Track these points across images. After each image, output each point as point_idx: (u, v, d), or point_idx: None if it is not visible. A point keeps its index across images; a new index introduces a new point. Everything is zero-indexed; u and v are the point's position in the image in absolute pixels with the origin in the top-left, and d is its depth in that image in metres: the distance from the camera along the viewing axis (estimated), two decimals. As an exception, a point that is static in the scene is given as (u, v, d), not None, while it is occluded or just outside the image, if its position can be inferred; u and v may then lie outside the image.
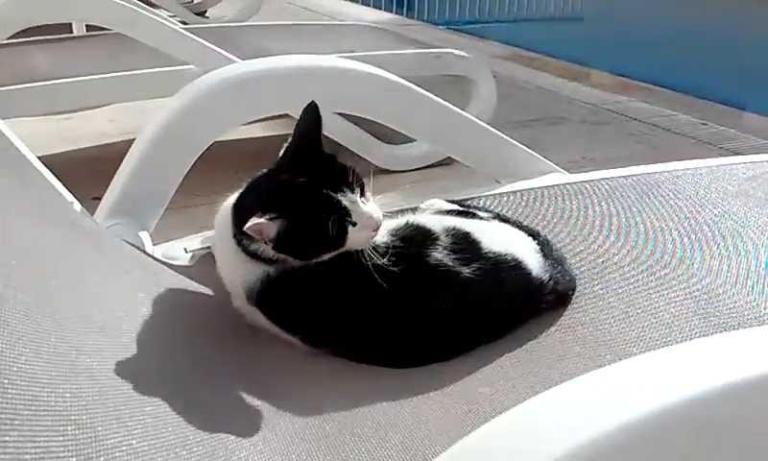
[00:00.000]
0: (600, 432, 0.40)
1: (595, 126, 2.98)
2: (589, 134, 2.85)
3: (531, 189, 1.28)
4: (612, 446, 0.40)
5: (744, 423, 0.44)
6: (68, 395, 0.57)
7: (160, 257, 1.04)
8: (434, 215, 0.95)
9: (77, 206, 1.00)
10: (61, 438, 0.53)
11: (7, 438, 0.48)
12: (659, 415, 0.41)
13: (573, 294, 0.98)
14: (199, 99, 1.17)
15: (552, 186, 1.29)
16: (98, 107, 2.68)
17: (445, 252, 0.85)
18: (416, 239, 0.86)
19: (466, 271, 0.84)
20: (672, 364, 0.47)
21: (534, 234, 1.01)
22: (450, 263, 0.84)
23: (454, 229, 0.88)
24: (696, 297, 0.98)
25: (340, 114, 2.29)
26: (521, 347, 0.88)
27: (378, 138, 2.32)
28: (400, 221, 0.90)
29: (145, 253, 1.03)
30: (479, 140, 1.38)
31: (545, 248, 0.98)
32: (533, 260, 0.92)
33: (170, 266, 1.01)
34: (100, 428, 0.56)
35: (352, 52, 2.35)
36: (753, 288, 1.01)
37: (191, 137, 1.15)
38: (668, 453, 0.42)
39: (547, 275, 0.92)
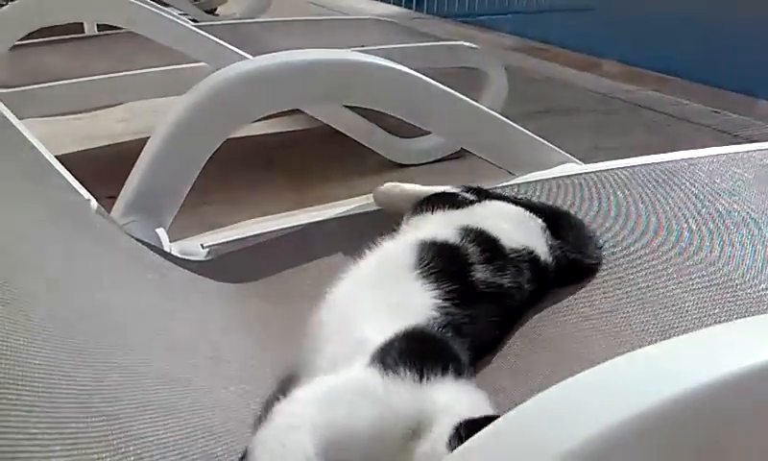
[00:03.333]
0: (619, 420, 0.40)
1: (607, 116, 2.96)
2: (601, 124, 2.84)
3: (546, 180, 1.27)
4: (630, 433, 0.40)
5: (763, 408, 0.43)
6: (88, 385, 0.58)
7: (177, 254, 1.05)
8: (445, 221, 0.92)
9: (93, 203, 1.01)
10: (88, 429, 0.53)
11: (35, 430, 0.48)
12: (677, 401, 0.41)
13: (595, 272, 0.99)
14: (212, 95, 1.17)
15: (567, 177, 1.29)
16: (111, 106, 2.69)
17: (481, 266, 0.84)
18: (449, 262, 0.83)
19: (497, 277, 0.84)
20: (690, 350, 0.47)
21: (543, 211, 1.02)
22: (492, 278, 0.84)
23: (471, 232, 0.88)
24: (714, 285, 0.98)
25: (352, 109, 2.29)
26: (539, 336, 0.88)
27: (390, 133, 2.32)
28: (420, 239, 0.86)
29: (162, 249, 1.04)
30: (493, 132, 1.38)
31: (557, 225, 0.99)
32: (540, 244, 0.93)
33: (187, 262, 1.02)
34: (124, 419, 0.57)
35: (363, 46, 2.35)
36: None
37: (205, 134, 1.16)
38: (687, 440, 0.41)
39: (554, 255, 0.93)
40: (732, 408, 0.42)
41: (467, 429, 0.56)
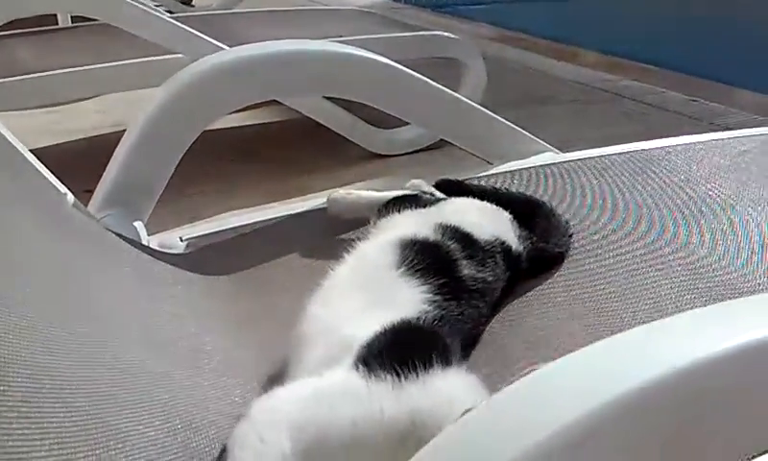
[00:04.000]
0: (595, 405, 0.41)
1: (585, 105, 2.98)
2: (580, 114, 2.86)
3: (524, 169, 1.28)
4: (604, 419, 0.41)
5: (735, 390, 0.44)
6: (70, 381, 0.57)
7: (156, 247, 1.04)
8: (419, 220, 0.92)
9: (70, 197, 1.00)
10: (72, 426, 0.53)
11: (16, 426, 0.48)
12: (652, 386, 0.41)
13: (561, 261, 1.00)
14: (188, 87, 1.16)
15: (545, 166, 1.29)
16: (86, 98, 2.66)
17: (466, 262, 0.84)
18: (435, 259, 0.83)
19: (481, 272, 0.85)
20: (666, 334, 0.48)
21: (514, 201, 1.04)
22: (477, 274, 0.84)
23: (446, 229, 0.88)
24: (690, 271, 0.99)
25: (331, 100, 2.28)
26: (520, 326, 0.89)
27: (370, 123, 2.32)
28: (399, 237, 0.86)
29: (140, 243, 1.03)
30: (472, 122, 1.38)
31: (526, 214, 1.01)
32: (510, 234, 0.94)
33: (166, 255, 1.01)
34: (105, 414, 0.57)
35: (341, 37, 2.34)
36: (747, 262, 1.01)
37: (182, 126, 1.15)
38: (661, 425, 0.42)
39: (524, 245, 0.95)
40: (707, 390, 0.43)
41: None
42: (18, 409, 0.51)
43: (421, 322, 0.72)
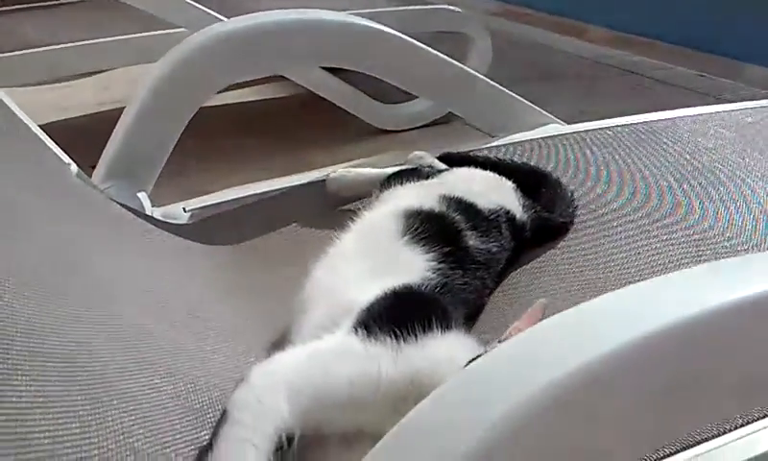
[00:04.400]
0: (590, 358, 0.41)
1: (592, 81, 2.95)
2: (586, 89, 2.83)
3: (528, 141, 1.28)
4: (600, 371, 0.41)
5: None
6: (73, 344, 0.58)
7: (159, 217, 1.04)
8: (423, 191, 0.92)
9: (73, 167, 1.00)
10: (75, 387, 0.53)
11: (18, 383, 0.48)
12: (642, 341, 0.42)
13: (566, 230, 1.00)
14: (188, 57, 1.15)
15: (550, 137, 1.29)
16: (87, 74, 2.65)
17: (470, 232, 0.84)
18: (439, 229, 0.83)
19: (486, 242, 0.85)
20: (657, 292, 0.48)
21: (518, 171, 1.03)
22: (482, 245, 0.84)
23: (450, 200, 0.88)
24: (694, 242, 0.99)
25: (336, 75, 2.27)
26: (522, 294, 0.89)
27: (374, 98, 2.30)
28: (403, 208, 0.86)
29: (144, 213, 1.03)
30: (478, 93, 1.38)
31: (531, 184, 1.01)
32: (514, 203, 0.94)
33: (170, 225, 1.01)
34: (109, 375, 0.57)
35: (345, 10, 2.32)
36: (750, 234, 1.01)
37: (183, 96, 1.14)
38: (657, 375, 0.42)
39: (528, 214, 0.94)
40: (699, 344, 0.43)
41: None
42: (22, 368, 0.51)
43: (424, 288, 0.72)
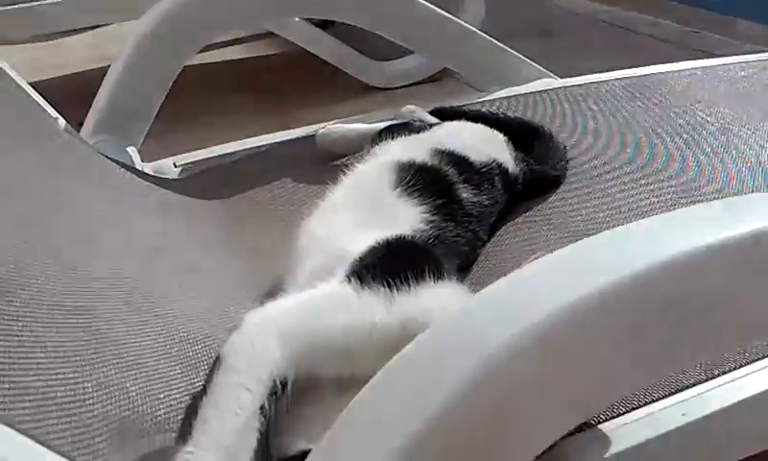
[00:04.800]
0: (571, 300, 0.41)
1: (586, 37, 2.93)
2: (580, 46, 2.81)
3: (521, 95, 1.27)
4: (581, 312, 0.41)
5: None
6: (67, 292, 0.58)
7: (150, 172, 1.03)
8: (415, 145, 0.91)
9: (61, 121, 0.99)
10: (69, 334, 0.54)
11: (19, 331, 0.49)
12: (622, 283, 0.42)
13: (559, 184, 1.00)
14: (172, 11, 1.13)
15: (543, 91, 1.28)
16: (78, 31, 2.61)
17: (463, 186, 0.84)
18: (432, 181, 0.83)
19: (478, 195, 0.85)
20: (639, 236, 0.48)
21: (511, 124, 1.03)
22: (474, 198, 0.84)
23: (442, 153, 0.87)
24: (685, 195, 0.99)
25: (328, 32, 2.24)
26: (514, 246, 0.89)
27: (367, 55, 2.28)
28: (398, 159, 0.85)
29: (134, 167, 1.02)
30: (472, 47, 1.37)
31: (524, 138, 1.00)
32: (506, 156, 0.94)
33: (160, 179, 1.01)
34: (102, 323, 0.57)
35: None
36: (743, 185, 1.01)
37: (169, 50, 1.13)
38: (635, 317, 0.43)
39: (520, 167, 0.94)
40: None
41: None
42: (23, 319, 0.51)
43: (416, 239, 0.72)
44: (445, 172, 0.84)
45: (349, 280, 0.62)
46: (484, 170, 0.89)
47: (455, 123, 1.02)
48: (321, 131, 1.09)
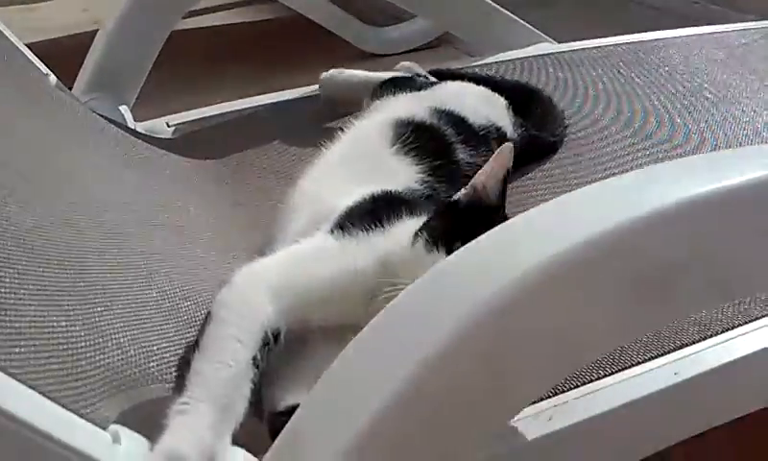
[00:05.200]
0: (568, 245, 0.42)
1: (588, 7, 2.90)
2: (582, 17, 2.78)
3: (520, 59, 1.26)
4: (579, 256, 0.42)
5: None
6: (63, 245, 0.57)
7: (143, 131, 1.02)
8: (415, 103, 0.90)
9: (52, 78, 0.97)
10: (63, 283, 0.53)
11: (8, 281, 0.48)
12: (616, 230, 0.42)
13: (556, 149, 0.99)
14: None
15: (541, 56, 1.27)
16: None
17: (461, 146, 0.83)
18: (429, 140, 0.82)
19: (470, 156, 0.84)
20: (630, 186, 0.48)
21: (510, 88, 1.02)
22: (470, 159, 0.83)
23: (441, 113, 0.86)
24: (678, 159, 0.98)
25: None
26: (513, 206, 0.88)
27: (363, 21, 2.25)
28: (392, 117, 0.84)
29: (126, 126, 1.01)
30: (471, 10, 1.35)
31: (523, 102, 1.00)
32: (505, 120, 0.93)
33: (153, 139, 1.00)
34: (97, 279, 0.57)
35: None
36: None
37: (162, 5, 1.11)
38: (631, 264, 0.43)
39: (518, 132, 0.93)
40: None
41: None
42: (15, 268, 0.51)
43: (404, 194, 0.71)
44: (443, 131, 0.84)
45: (332, 232, 0.63)
46: (482, 133, 0.88)
47: (457, 83, 1.00)
48: (325, 75, 1.07)
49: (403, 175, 0.75)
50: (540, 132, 0.99)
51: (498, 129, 0.90)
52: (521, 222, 0.44)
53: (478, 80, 1.05)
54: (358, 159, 0.78)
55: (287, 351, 0.56)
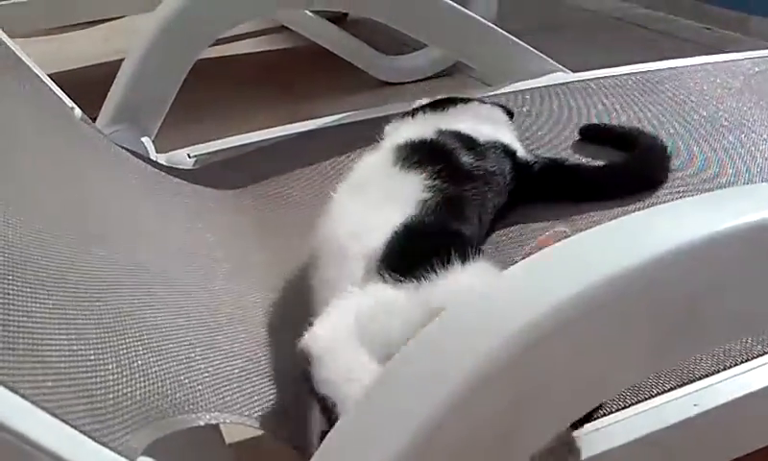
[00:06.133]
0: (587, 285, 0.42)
1: (596, 33, 2.92)
2: (591, 42, 2.80)
3: (534, 88, 1.27)
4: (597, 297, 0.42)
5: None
6: (88, 277, 0.59)
7: (164, 163, 1.04)
8: (416, 127, 0.91)
9: (77, 111, 1.00)
10: (91, 317, 0.54)
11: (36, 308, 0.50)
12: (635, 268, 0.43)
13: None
14: (188, 1, 1.14)
15: (555, 85, 1.28)
16: (89, 24, 2.62)
17: (463, 151, 0.84)
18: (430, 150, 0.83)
19: (480, 160, 0.85)
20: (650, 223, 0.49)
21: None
22: (475, 162, 0.84)
23: (445, 131, 0.87)
24: (695, 190, 0.99)
25: (340, 27, 2.25)
26: (529, 238, 0.89)
27: (377, 50, 2.28)
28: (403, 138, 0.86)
29: (148, 157, 1.03)
30: (485, 41, 1.37)
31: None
32: (512, 138, 0.94)
33: (175, 170, 1.02)
34: (122, 308, 0.58)
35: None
36: (753, 182, 1.01)
37: (185, 40, 1.14)
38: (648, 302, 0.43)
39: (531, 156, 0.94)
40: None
41: None
42: (46, 303, 0.52)
43: (424, 212, 0.72)
44: (444, 142, 0.84)
45: (384, 278, 0.63)
46: (489, 146, 0.88)
47: (466, 104, 1.00)
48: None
49: (413, 187, 0.76)
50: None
51: (504, 145, 0.90)
52: (546, 258, 0.45)
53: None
54: (371, 186, 0.78)
55: None
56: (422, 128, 0.89)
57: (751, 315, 0.45)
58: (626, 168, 1.00)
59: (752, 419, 0.65)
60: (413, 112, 0.99)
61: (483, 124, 0.93)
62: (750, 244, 0.43)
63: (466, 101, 1.04)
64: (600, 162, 1.03)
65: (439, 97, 1.10)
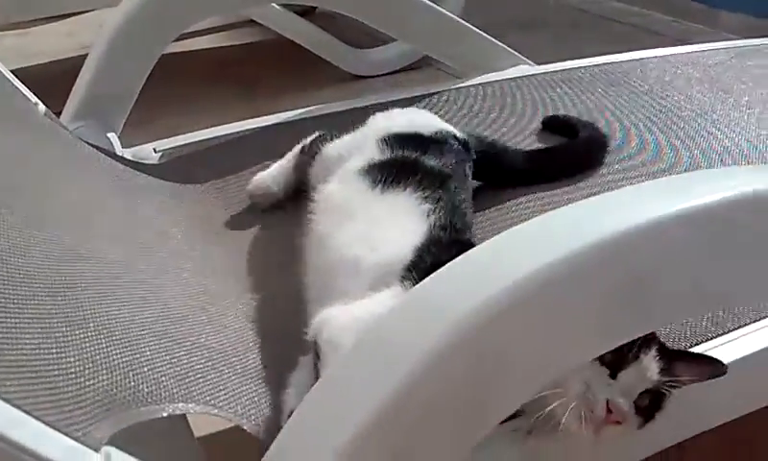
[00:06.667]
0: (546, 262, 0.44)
1: (570, 28, 2.95)
2: (564, 37, 2.83)
3: (497, 81, 1.29)
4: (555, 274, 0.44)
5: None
6: (56, 275, 0.59)
7: (130, 157, 1.04)
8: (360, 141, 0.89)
9: (41, 107, 0.99)
10: (59, 314, 0.55)
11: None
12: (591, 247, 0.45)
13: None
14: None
15: (519, 77, 1.30)
16: (56, 18, 2.58)
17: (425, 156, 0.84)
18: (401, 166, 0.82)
19: (439, 159, 0.84)
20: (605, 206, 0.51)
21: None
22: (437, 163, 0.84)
23: (388, 140, 0.86)
24: (648, 177, 1.01)
25: (308, 20, 2.24)
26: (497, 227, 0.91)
27: (346, 43, 2.28)
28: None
29: (114, 153, 1.03)
30: (450, 34, 1.38)
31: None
32: (442, 124, 0.94)
33: (140, 165, 1.01)
34: (86, 303, 0.58)
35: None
36: (709, 168, 1.03)
37: (150, 33, 1.13)
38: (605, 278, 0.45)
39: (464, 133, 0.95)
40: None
41: None
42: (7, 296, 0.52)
43: (431, 225, 0.72)
44: (403, 154, 0.83)
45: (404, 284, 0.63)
46: (437, 137, 0.88)
47: (380, 114, 0.96)
48: (250, 186, 0.96)
49: (407, 203, 0.75)
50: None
51: (448, 131, 0.91)
52: (504, 239, 0.47)
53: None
54: (357, 214, 0.75)
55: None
56: (365, 143, 0.86)
57: (695, 294, 0.47)
58: (563, 153, 1.05)
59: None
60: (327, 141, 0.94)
61: (417, 119, 0.94)
62: (694, 227, 0.45)
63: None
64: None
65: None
